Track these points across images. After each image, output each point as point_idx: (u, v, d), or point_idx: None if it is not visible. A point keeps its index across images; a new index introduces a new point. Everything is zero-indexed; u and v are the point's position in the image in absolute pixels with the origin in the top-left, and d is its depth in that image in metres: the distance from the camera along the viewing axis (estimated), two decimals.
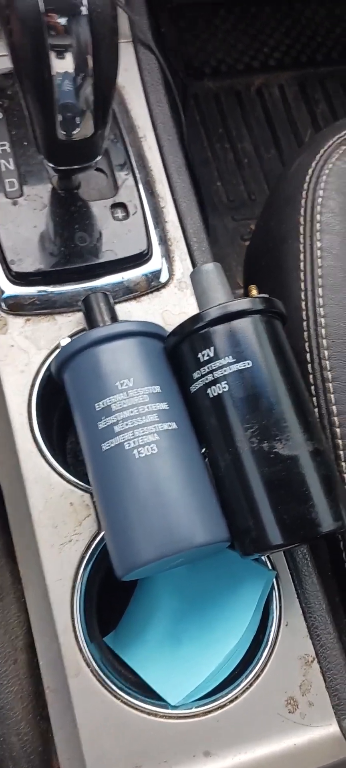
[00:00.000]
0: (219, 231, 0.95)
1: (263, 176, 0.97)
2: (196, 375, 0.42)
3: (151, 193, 0.52)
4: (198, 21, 0.99)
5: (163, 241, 0.51)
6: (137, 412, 0.41)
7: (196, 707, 0.42)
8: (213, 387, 0.41)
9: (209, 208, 0.94)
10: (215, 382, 0.41)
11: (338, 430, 0.45)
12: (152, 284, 0.50)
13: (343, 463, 0.45)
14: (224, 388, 0.41)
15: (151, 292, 0.50)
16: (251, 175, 0.97)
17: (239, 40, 1.01)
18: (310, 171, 0.49)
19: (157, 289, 0.51)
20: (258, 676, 0.42)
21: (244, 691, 0.42)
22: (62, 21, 0.36)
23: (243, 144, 0.98)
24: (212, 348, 0.41)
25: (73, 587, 0.43)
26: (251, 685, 0.42)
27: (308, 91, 1.01)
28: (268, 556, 0.45)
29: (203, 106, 0.99)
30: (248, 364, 0.41)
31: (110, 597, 0.46)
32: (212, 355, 0.41)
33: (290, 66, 1.02)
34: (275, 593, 0.44)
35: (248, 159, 0.98)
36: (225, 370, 0.41)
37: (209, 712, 0.41)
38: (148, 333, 0.45)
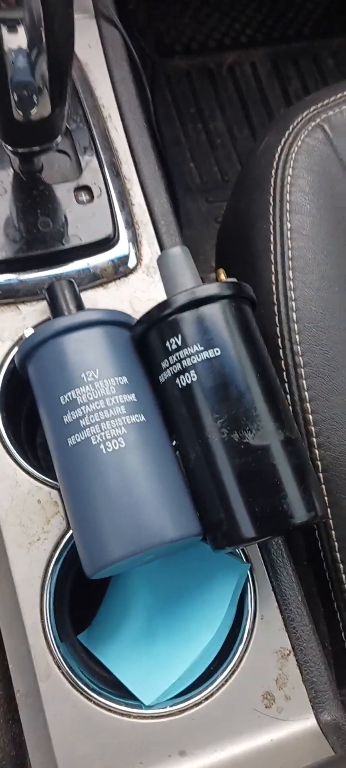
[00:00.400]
0: (193, 213, 0.93)
1: (237, 156, 0.95)
2: (164, 364, 0.41)
3: (117, 175, 0.50)
4: None
5: (130, 224, 0.50)
6: (104, 405, 0.39)
7: (170, 706, 0.41)
8: (182, 376, 0.40)
9: (181, 190, 0.92)
10: (183, 371, 0.40)
11: (310, 416, 0.44)
12: (120, 270, 0.49)
13: (316, 450, 0.44)
14: (193, 377, 0.39)
15: (119, 278, 0.49)
16: (224, 156, 0.95)
17: (210, 16, 0.98)
18: (279, 149, 0.47)
19: (125, 275, 0.49)
20: (234, 671, 0.42)
21: (219, 688, 0.41)
22: None
23: (216, 123, 0.97)
24: (179, 336, 0.40)
25: (43, 587, 0.42)
26: (226, 681, 0.41)
27: (280, 68, 0.99)
28: (242, 549, 0.44)
29: (174, 85, 0.97)
30: (216, 351, 0.39)
31: (85, 593, 0.45)
32: (179, 343, 0.40)
33: (262, 43, 1.00)
34: (250, 586, 0.43)
35: (221, 139, 0.96)
36: (194, 359, 0.39)
37: (184, 710, 0.41)
38: (114, 322, 0.43)
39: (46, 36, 0.35)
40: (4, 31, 0.35)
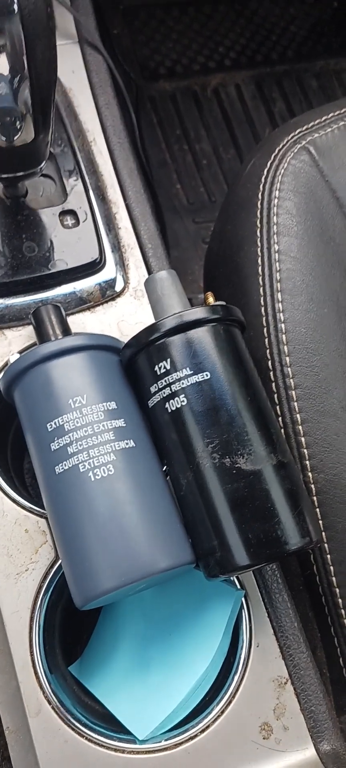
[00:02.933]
0: (180, 234, 0.93)
1: (223, 177, 0.95)
2: (153, 389, 0.40)
3: (103, 199, 0.50)
4: (151, 22, 0.97)
5: (117, 248, 0.49)
6: (92, 431, 0.38)
7: (165, 740, 0.40)
8: (171, 401, 0.39)
9: (168, 211, 0.93)
10: (173, 395, 0.39)
11: (302, 439, 0.44)
12: (107, 294, 0.48)
13: (309, 473, 0.44)
14: (183, 401, 0.39)
15: (106, 301, 0.48)
16: (210, 176, 0.96)
17: (194, 40, 0.99)
18: (265, 171, 0.47)
19: (112, 299, 0.49)
20: (230, 702, 0.41)
21: (216, 719, 0.40)
22: None
23: (201, 145, 0.97)
24: (168, 360, 0.39)
25: (31, 619, 0.41)
26: (222, 712, 0.40)
27: (264, 90, 1.00)
28: (236, 575, 0.43)
29: (159, 108, 0.97)
30: (206, 375, 0.39)
31: (76, 620, 0.44)
32: (168, 367, 0.39)
33: (246, 65, 1.01)
34: (245, 613, 0.42)
35: (207, 160, 0.96)
36: (183, 383, 0.39)
37: (180, 744, 0.40)
38: (101, 346, 0.42)
39: (29, 63, 0.34)
40: None
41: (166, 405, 0.39)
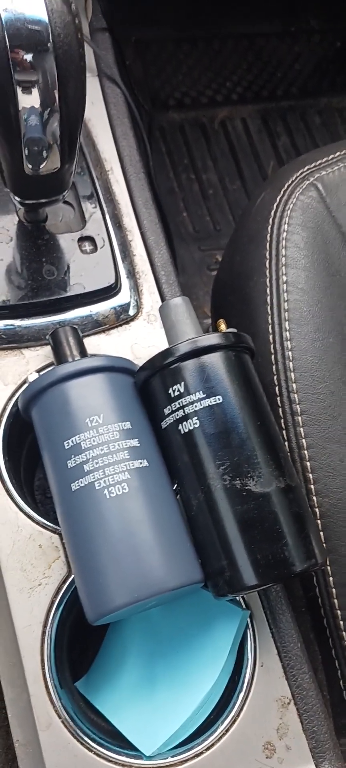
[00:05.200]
0: (186, 261, 0.95)
1: (228, 207, 0.98)
2: (167, 410, 0.41)
3: (119, 227, 0.52)
4: (162, 55, 1.00)
5: (132, 274, 0.51)
6: (108, 450, 0.40)
7: (171, 756, 0.40)
8: (184, 423, 0.41)
9: (175, 238, 0.95)
10: (186, 417, 0.41)
11: (308, 464, 0.45)
12: (121, 317, 0.50)
13: (314, 497, 0.45)
14: (195, 424, 0.40)
15: (120, 325, 0.50)
16: (216, 206, 0.98)
17: (203, 74, 1.02)
18: (274, 206, 0.49)
19: (126, 322, 0.50)
20: (235, 720, 0.41)
21: (221, 737, 0.41)
22: (28, 57, 0.35)
23: (208, 175, 1.00)
24: (182, 383, 0.41)
25: (43, 633, 0.41)
26: (227, 730, 0.41)
27: (269, 125, 1.03)
28: (242, 595, 0.44)
29: (168, 138, 1.00)
30: (218, 399, 0.40)
31: (83, 636, 0.44)
32: (182, 390, 0.41)
33: (252, 100, 1.04)
34: (250, 633, 0.43)
35: (213, 190, 0.99)
36: (196, 406, 0.40)
37: (185, 761, 0.40)
38: (118, 368, 0.44)
39: (60, 98, 0.36)
40: (19, 92, 0.36)
41: (179, 427, 0.41)
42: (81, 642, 0.45)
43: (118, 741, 0.41)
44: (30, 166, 0.40)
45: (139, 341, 0.50)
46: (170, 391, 0.41)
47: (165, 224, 0.69)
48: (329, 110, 1.05)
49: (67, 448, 0.40)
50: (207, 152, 1.00)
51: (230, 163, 1.00)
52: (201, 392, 0.40)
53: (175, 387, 0.41)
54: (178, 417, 0.41)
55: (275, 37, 1.03)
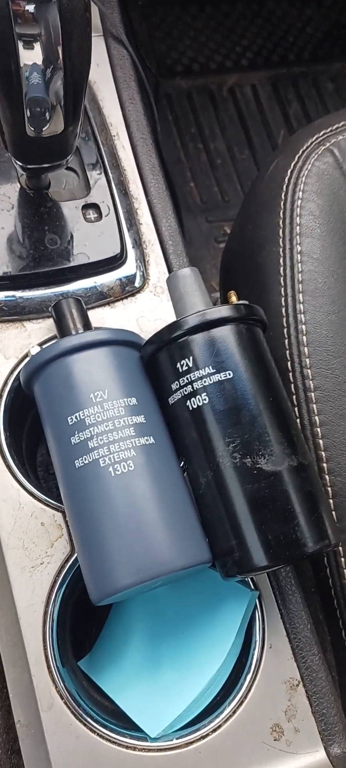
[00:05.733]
0: (193, 233, 0.93)
1: (237, 177, 0.95)
2: (174, 386, 0.40)
3: (125, 194, 0.50)
4: (169, 18, 0.97)
5: (138, 244, 0.49)
6: (113, 426, 0.38)
7: (176, 738, 0.40)
8: (193, 399, 0.39)
9: (182, 209, 0.93)
10: (194, 393, 0.39)
11: (320, 441, 0.44)
12: (127, 289, 0.48)
13: (326, 476, 0.44)
14: (204, 400, 0.39)
15: (126, 297, 0.48)
16: (224, 176, 0.96)
17: (211, 38, 0.99)
18: (288, 173, 0.47)
19: (132, 294, 0.48)
20: (242, 702, 0.41)
21: (227, 719, 0.40)
22: (30, 8, 0.33)
23: (216, 144, 0.97)
24: (190, 358, 0.39)
25: (45, 613, 0.41)
26: (234, 712, 0.40)
27: (280, 91, 1.00)
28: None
29: (175, 105, 0.97)
30: (228, 374, 0.39)
31: (86, 615, 0.44)
32: (191, 365, 0.39)
33: (263, 66, 1.01)
34: (258, 614, 0.42)
35: (221, 159, 0.96)
36: (205, 381, 0.39)
37: (191, 743, 0.39)
38: (123, 341, 0.42)
39: (64, 54, 0.34)
40: (21, 46, 0.34)
41: (188, 403, 0.39)
42: (84, 620, 0.45)
43: (122, 721, 0.41)
44: (32, 128, 0.38)
45: (146, 314, 0.48)
46: (178, 365, 0.40)
47: (172, 193, 0.67)
48: (341, 76, 1.02)
49: (70, 423, 0.39)
50: (215, 120, 0.97)
51: (239, 131, 0.98)
52: (210, 367, 0.39)
53: (183, 361, 0.40)
54: (186, 393, 0.39)
55: (286, 0, 0.99)
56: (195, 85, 0.98)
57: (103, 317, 0.47)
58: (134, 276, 0.48)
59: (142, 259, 0.49)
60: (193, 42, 0.99)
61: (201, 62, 0.99)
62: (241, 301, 0.42)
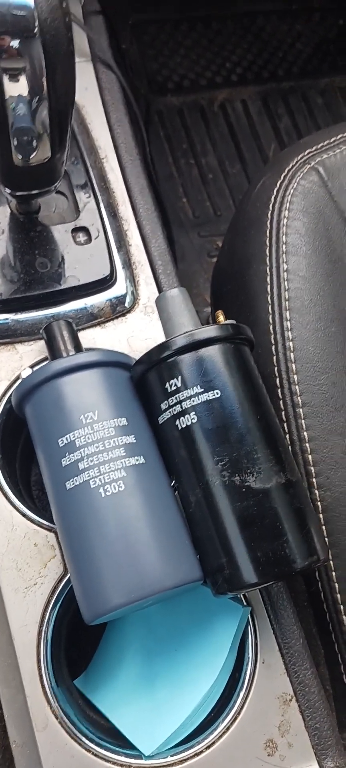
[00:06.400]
0: (186, 248, 0.93)
1: (228, 191, 0.96)
2: (163, 406, 0.41)
3: (114, 216, 0.51)
4: (160, 37, 0.98)
5: (128, 264, 0.50)
6: (103, 447, 0.39)
7: (171, 755, 0.40)
8: (182, 418, 0.40)
9: (174, 224, 0.93)
10: (183, 413, 0.40)
11: (310, 456, 0.44)
12: (117, 309, 0.49)
13: (315, 491, 0.44)
14: (193, 419, 0.39)
15: (117, 317, 0.49)
16: (216, 191, 0.97)
17: (202, 55, 1.00)
18: (275, 191, 0.48)
19: (123, 315, 0.49)
20: (235, 718, 0.41)
21: (221, 736, 0.40)
22: (14, 44, 0.34)
23: (207, 159, 0.98)
24: (179, 377, 0.40)
25: (40, 633, 0.41)
26: (228, 728, 0.40)
27: (270, 106, 1.01)
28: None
29: (166, 122, 0.98)
30: (216, 393, 0.39)
31: (81, 634, 0.44)
32: (179, 384, 0.40)
33: (253, 81, 1.02)
34: (251, 630, 0.43)
35: (213, 174, 0.97)
36: (193, 401, 0.39)
37: (185, 760, 0.40)
38: (113, 362, 0.43)
39: (48, 85, 0.35)
40: (6, 80, 0.35)
41: (177, 422, 0.40)
42: (80, 638, 0.45)
43: (117, 740, 0.41)
44: (19, 156, 0.39)
45: (136, 334, 0.49)
46: (167, 385, 0.40)
47: (163, 212, 0.68)
48: (331, 90, 1.03)
49: (61, 445, 0.39)
50: (206, 136, 0.98)
51: (230, 146, 0.98)
52: (199, 386, 0.39)
53: (172, 381, 0.40)
54: (175, 412, 0.40)
55: (276, 15, 1.00)
56: (186, 102, 0.99)
57: (94, 338, 0.48)
58: (124, 296, 0.49)
59: (132, 280, 0.50)
60: (184, 59, 1.00)
61: (192, 79, 1.00)
62: (228, 321, 0.42)
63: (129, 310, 0.49)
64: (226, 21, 0.99)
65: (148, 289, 0.50)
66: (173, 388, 0.40)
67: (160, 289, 0.50)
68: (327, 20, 1.03)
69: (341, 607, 0.45)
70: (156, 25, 0.97)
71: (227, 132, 1.00)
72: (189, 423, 0.39)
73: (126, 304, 0.49)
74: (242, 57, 1.02)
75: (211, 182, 0.97)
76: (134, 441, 0.40)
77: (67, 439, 0.39)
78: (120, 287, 0.49)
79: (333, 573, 0.45)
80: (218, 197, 0.97)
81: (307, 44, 1.03)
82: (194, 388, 0.39)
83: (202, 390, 0.39)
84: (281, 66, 1.03)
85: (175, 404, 0.40)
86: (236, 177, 0.98)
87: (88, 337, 0.48)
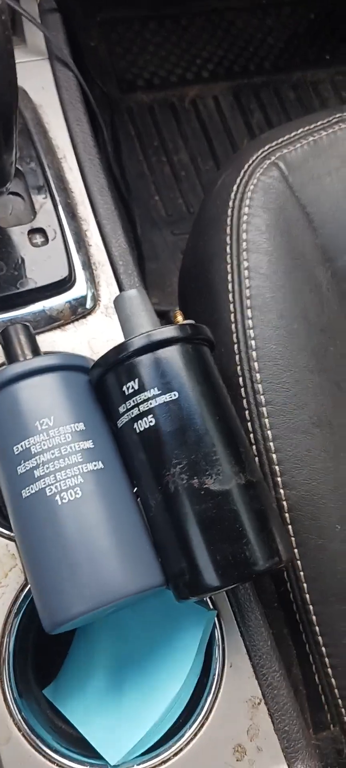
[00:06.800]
0: (159, 246, 0.93)
1: (201, 188, 0.95)
2: (122, 409, 0.40)
3: (73, 216, 0.50)
4: (129, 35, 0.97)
5: (88, 265, 0.49)
6: (59, 453, 0.38)
7: (137, 765, 0.40)
8: (140, 421, 0.39)
9: (147, 223, 0.92)
10: (141, 415, 0.39)
11: (274, 456, 0.44)
12: (78, 311, 0.48)
13: (281, 490, 0.44)
14: (151, 421, 0.38)
15: (77, 319, 0.48)
16: (188, 188, 0.96)
17: (171, 52, 0.99)
18: (234, 188, 0.47)
19: (83, 317, 0.48)
20: (203, 724, 0.40)
21: (188, 742, 0.40)
22: None
23: (179, 156, 0.97)
24: (136, 380, 0.39)
25: (1, 644, 0.40)
26: (195, 734, 0.40)
27: (242, 101, 1.00)
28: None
29: (137, 120, 0.97)
30: (174, 395, 0.38)
31: (51, 642, 0.43)
32: (136, 387, 0.39)
33: (224, 77, 1.01)
34: (218, 633, 0.42)
35: (185, 171, 0.96)
36: (151, 403, 0.38)
37: None
38: (71, 366, 0.42)
39: None
40: None
41: (135, 425, 0.39)
42: (50, 647, 0.44)
43: (87, 750, 0.41)
44: None
45: (98, 336, 0.48)
46: (125, 388, 0.39)
47: (128, 211, 0.67)
48: (302, 85, 1.03)
49: (16, 453, 0.38)
50: (178, 133, 0.97)
51: (202, 142, 0.98)
52: (156, 388, 0.39)
53: (129, 384, 0.39)
54: (133, 415, 0.39)
55: (245, 11, 1.00)
56: (157, 99, 0.98)
57: (54, 341, 0.47)
58: (85, 298, 0.48)
59: (93, 281, 0.49)
60: (153, 56, 0.99)
61: (162, 76, 0.99)
62: (186, 321, 0.41)
63: (90, 312, 0.48)
64: (195, 17, 0.98)
65: (109, 290, 0.49)
66: (131, 390, 0.39)
67: (121, 290, 0.50)
68: (298, 14, 1.03)
69: (311, 607, 0.45)
70: (124, 23, 0.96)
71: (198, 128, 0.99)
72: (147, 426, 0.39)
73: (87, 306, 0.48)
74: (213, 53, 1.01)
75: (183, 179, 0.96)
76: (92, 446, 0.39)
77: (22, 446, 0.38)
78: (80, 288, 0.48)
79: (301, 573, 0.44)
80: (190, 194, 0.96)
81: (278, 39, 1.03)
82: (152, 390, 0.39)
83: (159, 392, 0.39)
84: (253, 61, 1.02)
85: (133, 407, 0.39)
86: (208, 173, 0.97)
87: (48, 340, 0.47)
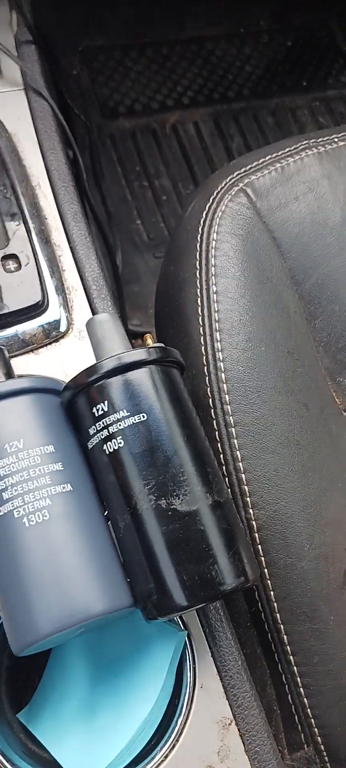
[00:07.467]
0: (141, 269, 0.94)
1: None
2: (92, 430, 0.40)
3: (47, 242, 0.50)
4: (110, 63, 0.99)
5: (61, 290, 0.50)
6: (28, 476, 0.38)
7: None
8: (109, 442, 0.39)
9: (129, 247, 0.94)
10: (110, 437, 0.39)
11: (243, 476, 0.44)
12: (51, 335, 0.49)
13: (250, 510, 0.44)
14: (120, 443, 0.39)
15: (50, 343, 0.49)
16: (170, 212, 0.97)
17: (152, 79, 1.01)
18: (204, 215, 0.48)
19: (57, 340, 0.49)
20: (174, 745, 0.40)
21: (159, 764, 0.40)
22: None
23: (161, 181, 0.99)
24: (106, 402, 0.40)
25: None
26: (166, 756, 0.40)
27: (222, 126, 1.02)
28: (179, 615, 0.43)
29: (119, 145, 0.99)
30: (143, 417, 0.39)
31: (27, 664, 0.43)
32: (106, 409, 0.40)
33: (204, 103, 1.03)
34: (188, 653, 0.42)
35: (167, 196, 0.98)
36: (120, 425, 0.39)
37: None
38: (42, 389, 0.42)
39: None
40: None
41: (105, 447, 0.40)
42: (26, 670, 0.44)
43: None
44: None
45: (71, 359, 0.48)
46: (95, 410, 0.40)
47: (105, 236, 0.68)
48: (281, 110, 1.05)
49: None
50: (159, 158, 0.99)
51: (183, 167, 0.99)
52: (125, 410, 0.39)
53: (99, 406, 0.40)
54: (103, 437, 0.40)
55: (224, 39, 1.02)
56: (138, 125, 1.00)
57: (26, 365, 0.48)
58: (58, 322, 0.49)
59: (66, 305, 0.50)
60: (134, 83, 1.01)
61: (143, 102, 1.01)
62: (156, 344, 0.42)
63: (63, 336, 0.49)
64: (175, 46, 1.00)
65: (82, 314, 0.50)
66: (101, 412, 0.40)
67: (94, 313, 0.50)
68: (275, 42, 1.06)
69: (281, 626, 0.45)
70: (106, 51, 0.98)
71: (179, 153, 1.01)
72: (116, 447, 0.39)
73: (60, 329, 0.49)
74: (193, 80, 1.03)
75: (165, 204, 0.98)
76: (62, 468, 0.40)
77: None
78: (53, 313, 0.49)
79: (271, 592, 0.45)
80: (172, 218, 0.97)
81: (256, 66, 1.05)
82: (121, 411, 0.39)
83: (128, 414, 0.39)
84: (232, 88, 1.05)
85: (102, 429, 0.40)
86: (189, 198, 0.98)
87: (22, 364, 0.47)
